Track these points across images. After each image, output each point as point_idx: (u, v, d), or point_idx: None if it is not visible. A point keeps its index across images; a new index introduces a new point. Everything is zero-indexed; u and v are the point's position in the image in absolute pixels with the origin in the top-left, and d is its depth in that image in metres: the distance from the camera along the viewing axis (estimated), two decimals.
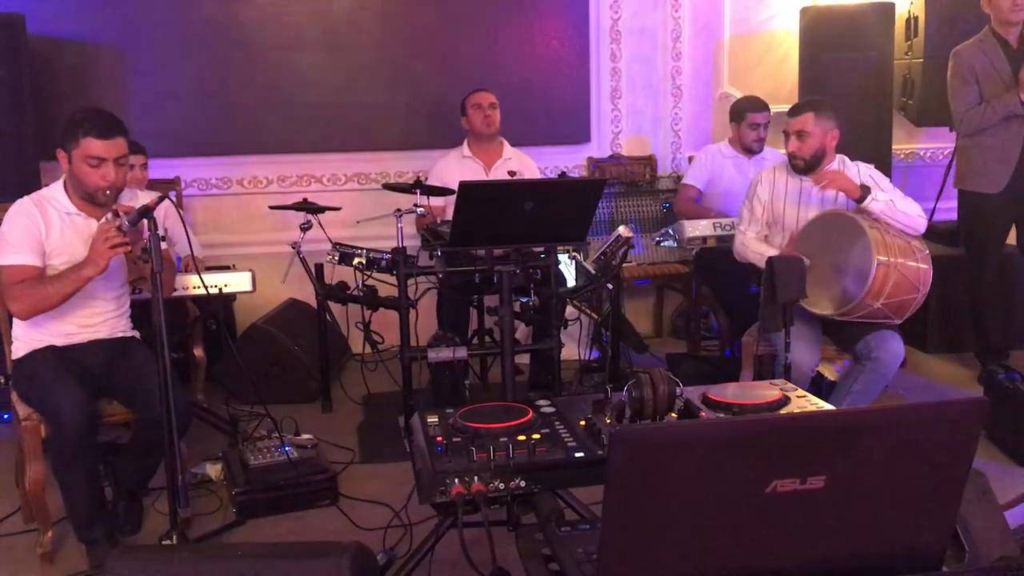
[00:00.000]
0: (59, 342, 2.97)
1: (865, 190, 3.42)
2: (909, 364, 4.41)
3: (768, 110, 4.56)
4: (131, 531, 3.06)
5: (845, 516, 1.31)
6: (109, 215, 2.80)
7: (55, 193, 2.94)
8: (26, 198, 2.92)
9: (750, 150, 4.59)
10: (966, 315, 4.73)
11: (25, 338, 2.97)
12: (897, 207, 3.41)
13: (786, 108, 5.03)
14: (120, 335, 3.11)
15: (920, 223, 3.46)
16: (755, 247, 3.69)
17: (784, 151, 3.99)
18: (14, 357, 3.00)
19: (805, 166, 3.60)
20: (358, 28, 4.95)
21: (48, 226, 2.88)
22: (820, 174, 3.52)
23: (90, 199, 2.88)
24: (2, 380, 3.16)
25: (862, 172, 3.63)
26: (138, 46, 4.73)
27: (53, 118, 4.39)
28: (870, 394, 3.42)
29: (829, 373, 4.02)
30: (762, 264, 3.54)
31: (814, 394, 3.35)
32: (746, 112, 4.57)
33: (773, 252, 3.56)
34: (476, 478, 1.87)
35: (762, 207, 3.72)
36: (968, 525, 1.99)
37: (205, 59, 4.81)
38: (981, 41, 4.14)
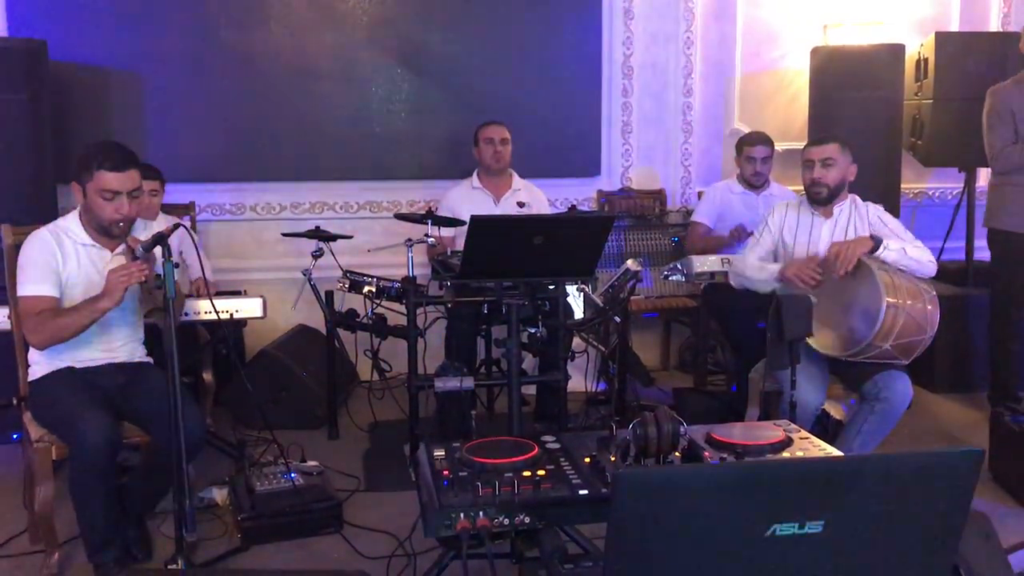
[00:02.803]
0: (78, 364, 3.01)
1: (876, 240, 3.41)
2: (916, 404, 4.40)
3: (766, 144, 4.59)
4: (143, 558, 3.05)
5: (843, 561, 1.33)
6: (123, 248, 2.85)
7: (71, 224, 2.99)
8: (43, 229, 2.97)
9: (751, 184, 4.62)
10: (974, 355, 4.74)
11: (44, 360, 3.00)
12: (909, 254, 3.41)
13: (795, 145, 5.07)
14: (136, 360, 3.15)
15: (931, 268, 3.47)
16: (755, 264, 3.68)
17: (792, 188, 4.03)
18: (32, 378, 3.04)
19: (828, 195, 3.60)
20: (373, 58, 5.03)
21: (65, 257, 2.93)
22: (833, 260, 3.42)
23: (104, 231, 2.94)
24: (13, 401, 3.18)
25: (871, 214, 3.65)
26: (157, 72, 4.81)
27: (72, 142, 4.48)
28: (879, 435, 3.42)
29: (836, 412, 4.02)
30: (758, 282, 3.57)
31: (820, 433, 3.37)
32: (744, 145, 4.63)
33: (775, 267, 3.57)
34: (481, 513, 1.89)
35: (771, 237, 3.74)
36: (972, 568, 1.99)
37: (222, 86, 4.89)
38: (1018, 82, 4.17)
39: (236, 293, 4.17)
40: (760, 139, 4.60)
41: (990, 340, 4.47)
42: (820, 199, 3.63)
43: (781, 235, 3.72)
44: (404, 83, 5.07)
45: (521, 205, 4.57)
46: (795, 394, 3.18)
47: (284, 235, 4.34)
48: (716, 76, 5.41)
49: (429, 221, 3.92)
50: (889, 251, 3.40)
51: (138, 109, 4.83)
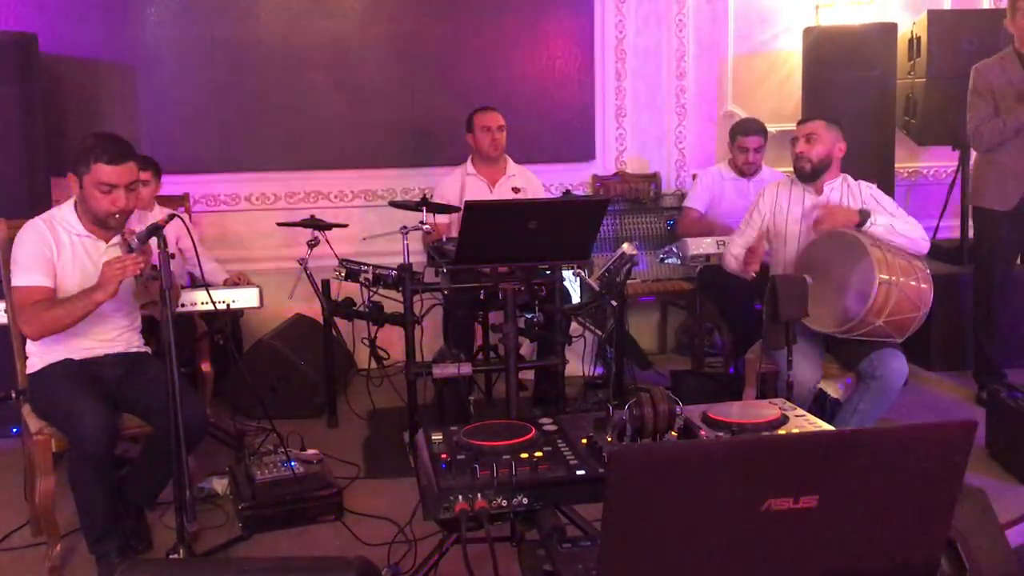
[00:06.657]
0: (76, 355, 3.01)
1: (864, 215, 3.43)
2: (911, 382, 4.42)
3: (760, 134, 4.56)
4: (143, 549, 3.07)
5: (838, 534, 1.34)
6: (118, 239, 2.84)
7: (66, 214, 2.98)
8: (38, 219, 2.97)
9: (742, 172, 4.62)
10: (968, 333, 4.75)
11: (42, 352, 3.00)
12: (897, 229, 3.43)
13: (788, 127, 5.07)
14: (134, 350, 3.16)
15: (923, 245, 3.49)
16: (736, 253, 3.74)
17: (783, 170, 4.03)
18: (30, 371, 3.03)
19: (812, 170, 3.61)
20: (365, 47, 5.02)
21: (59, 247, 2.92)
22: (816, 215, 3.51)
23: (100, 223, 2.93)
24: (12, 395, 3.18)
25: (864, 191, 3.66)
26: (149, 64, 4.80)
27: (65, 135, 4.48)
28: (876, 412, 3.44)
29: (832, 391, 4.03)
30: (732, 263, 3.68)
31: (817, 412, 3.39)
32: (737, 135, 4.61)
33: (739, 247, 3.69)
34: (479, 495, 1.89)
35: (762, 219, 3.75)
36: (969, 543, 2.00)
37: (215, 77, 4.88)
38: (1002, 58, 4.16)
39: (233, 283, 4.16)
40: (754, 128, 4.58)
41: (974, 317, 4.49)
42: (804, 173, 3.64)
43: (772, 217, 3.73)
44: (396, 71, 5.06)
45: (516, 191, 4.57)
46: (791, 374, 3.20)
47: (279, 225, 4.33)
48: (709, 58, 5.40)
49: (424, 208, 3.91)
50: (876, 226, 3.42)
51: (131, 101, 4.82)
